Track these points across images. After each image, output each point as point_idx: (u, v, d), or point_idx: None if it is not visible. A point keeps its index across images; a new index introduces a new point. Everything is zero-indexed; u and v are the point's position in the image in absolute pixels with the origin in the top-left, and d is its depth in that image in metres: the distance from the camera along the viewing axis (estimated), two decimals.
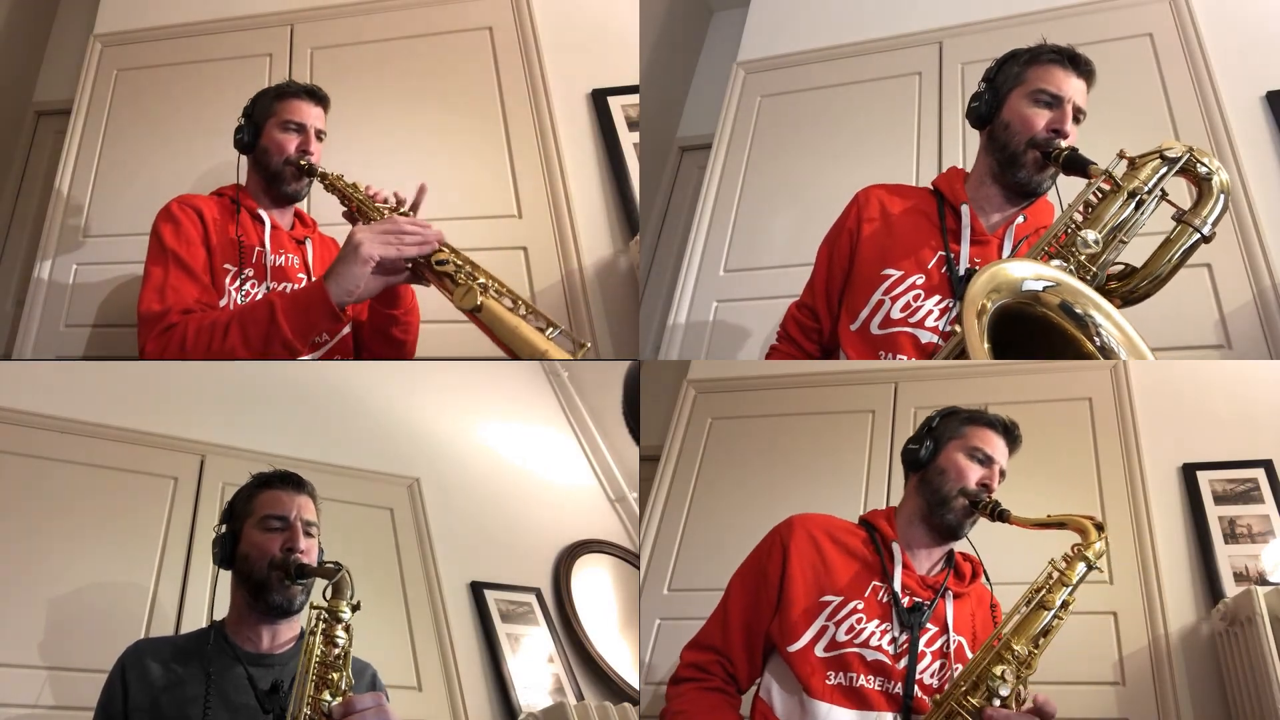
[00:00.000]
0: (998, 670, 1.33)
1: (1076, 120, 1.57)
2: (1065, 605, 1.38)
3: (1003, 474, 1.56)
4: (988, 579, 1.62)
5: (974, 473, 1.52)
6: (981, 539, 1.61)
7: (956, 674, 1.41)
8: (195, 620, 1.95)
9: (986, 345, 1.27)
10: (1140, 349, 1.34)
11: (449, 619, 2.26)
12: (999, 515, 1.47)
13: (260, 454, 2.24)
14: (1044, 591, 1.38)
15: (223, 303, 1.79)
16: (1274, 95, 2.24)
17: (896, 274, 1.63)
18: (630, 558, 2.65)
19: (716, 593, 1.63)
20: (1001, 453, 1.56)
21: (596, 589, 2.58)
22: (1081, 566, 1.38)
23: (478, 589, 2.36)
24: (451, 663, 2.19)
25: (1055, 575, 1.39)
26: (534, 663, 2.30)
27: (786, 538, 1.57)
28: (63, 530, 1.95)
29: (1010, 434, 1.57)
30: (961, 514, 1.52)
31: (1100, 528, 1.41)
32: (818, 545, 1.55)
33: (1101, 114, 2.26)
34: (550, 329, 1.56)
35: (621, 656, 2.43)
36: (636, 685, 2.32)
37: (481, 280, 1.59)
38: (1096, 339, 1.35)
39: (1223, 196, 1.41)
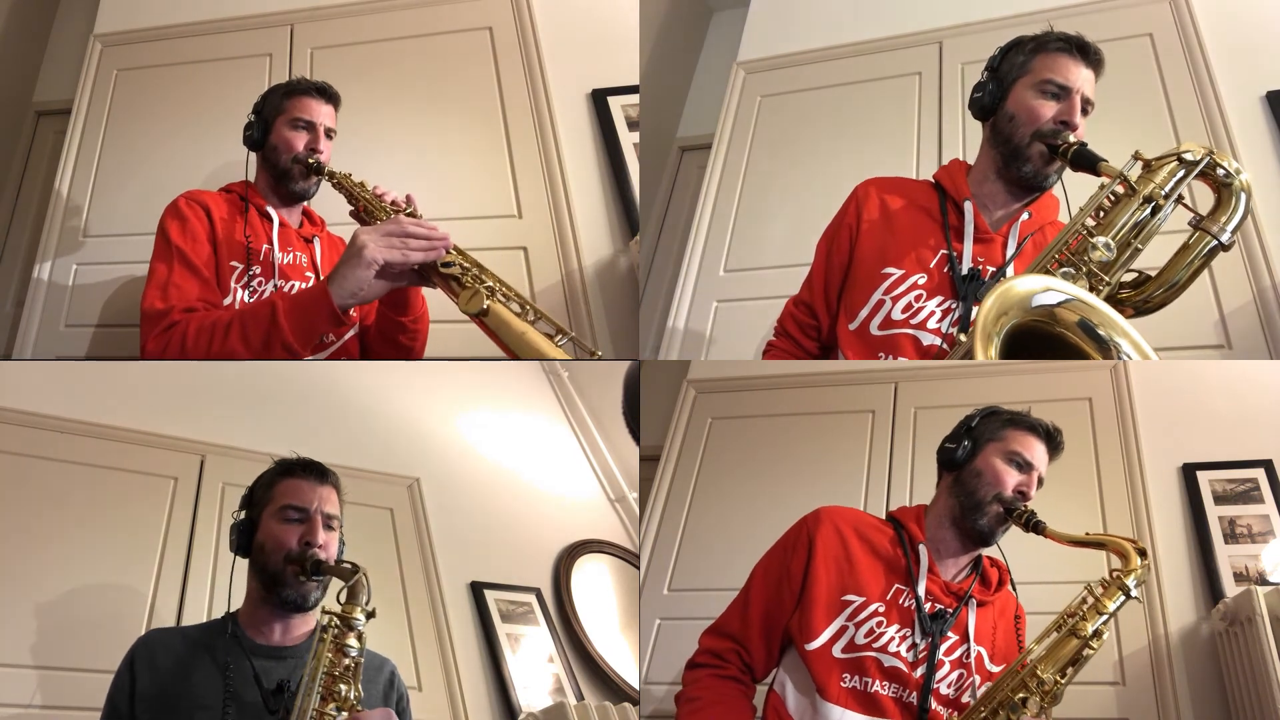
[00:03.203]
0: (1019, 698, 1.28)
1: (1085, 112, 1.49)
2: (1098, 634, 1.31)
3: (1040, 481, 1.49)
4: (1014, 586, 1.56)
5: (1011, 478, 1.46)
6: (1006, 537, 1.54)
7: (978, 695, 1.37)
8: (195, 620, 1.95)
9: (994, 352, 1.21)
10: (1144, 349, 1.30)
11: (449, 619, 2.26)
12: (1034, 527, 1.41)
13: (260, 454, 2.23)
14: (1076, 619, 1.32)
15: (228, 301, 1.77)
16: (1274, 95, 2.24)
17: (897, 273, 1.57)
18: (630, 558, 2.65)
19: (717, 593, 1.63)
20: (1041, 459, 1.49)
21: (596, 589, 2.57)
22: (1119, 596, 1.32)
23: (478, 589, 2.36)
24: (451, 663, 2.19)
25: (1090, 602, 1.33)
26: (534, 663, 2.30)
27: (814, 531, 1.52)
28: (63, 530, 1.95)
29: (1052, 440, 1.51)
30: (994, 521, 1.46)
31: (1143, 553, 1.34)
32: (844, 541, 1.50)
33: (1101, 114, 2.25)
34: (560, 336, 1.50)
35: (621, 656, 2.43)
36: (636, 685, 2.32)
37: (489, 283, 1.53)
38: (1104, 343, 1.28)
39: (1244, 200, 1.32)
